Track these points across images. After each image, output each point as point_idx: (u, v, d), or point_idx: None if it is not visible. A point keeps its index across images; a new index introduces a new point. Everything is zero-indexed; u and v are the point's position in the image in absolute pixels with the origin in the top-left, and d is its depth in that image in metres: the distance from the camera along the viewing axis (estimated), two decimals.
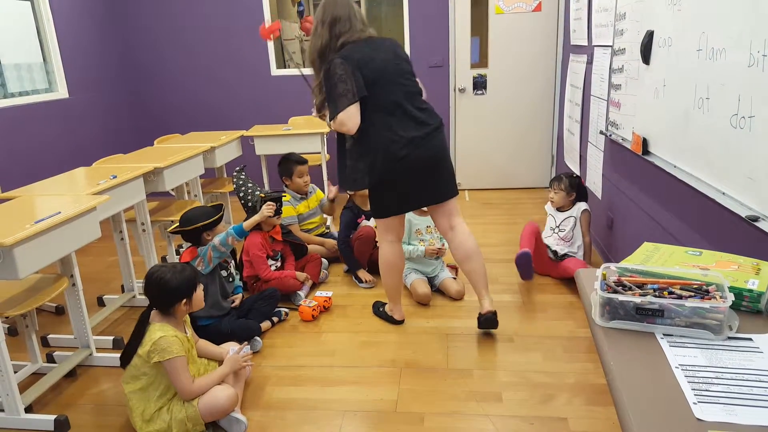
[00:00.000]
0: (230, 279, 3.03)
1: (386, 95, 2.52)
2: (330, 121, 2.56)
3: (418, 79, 2.72)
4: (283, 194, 3.62)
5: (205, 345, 2.44)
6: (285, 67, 5.72)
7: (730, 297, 1.19)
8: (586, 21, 3.98)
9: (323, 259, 3.71)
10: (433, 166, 2.61)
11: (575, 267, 3.21)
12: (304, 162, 3.90)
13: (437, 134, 2.62)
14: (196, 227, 2.80)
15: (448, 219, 2.74)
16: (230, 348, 2.42)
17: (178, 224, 2.88)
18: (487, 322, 2.75)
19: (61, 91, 4.73)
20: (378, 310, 3.12)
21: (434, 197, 2.69)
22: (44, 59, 4.62)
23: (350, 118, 2.47)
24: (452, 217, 2.74)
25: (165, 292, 2.15)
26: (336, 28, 2.56)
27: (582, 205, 3.54)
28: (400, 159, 2.51)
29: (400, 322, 2.99)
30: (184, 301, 2.17)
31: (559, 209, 3.58)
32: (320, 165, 4.76)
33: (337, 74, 2.45)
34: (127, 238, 3.34)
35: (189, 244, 2.88)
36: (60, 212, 2.34)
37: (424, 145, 2.55)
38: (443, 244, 3.37)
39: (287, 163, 3.87)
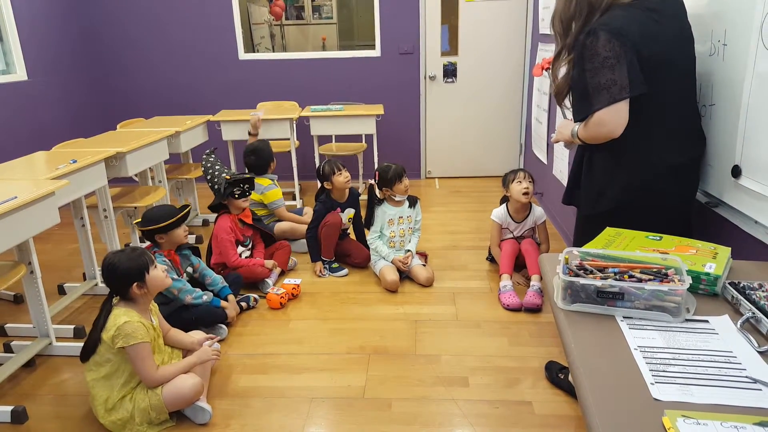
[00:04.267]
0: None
1: (662, 95, 1.71)
2: (577, 119, 1.82)
3: None
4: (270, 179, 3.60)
5: (176, 333, 2.40)
6: (253, 51, 5.62)
7: (688, 280, 1.22)
8: None
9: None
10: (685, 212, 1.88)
11: (531, 250, 3.24)
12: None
13: (699, 167, 1.88)
14: (149, 229, 2.72)
15: None
16: (200, 338, 2.39)
17: (140, 219, 2.81)
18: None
19: (20, 73, 4.55)
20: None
21: None
22: (1, 39, 4.43)
23: (614, 117, 1.67)
24: None
25: (115, 276, 2.11)
26: None
27: (539, 213, 3.36)
28: (660, 193, 1.78)
29: None
30: (136, 284, 2.12)
31: (515, 218, 3.34)
32: (289, 152, 4.70)
33: (601, 56, 1.66)
34: (89, 224, 3.24)
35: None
36: (16, 197, 2.26)
37: (684, 180, 1.82)
38: (409, 254, 3.36)
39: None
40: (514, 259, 3.25)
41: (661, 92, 1.70)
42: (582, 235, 1.95)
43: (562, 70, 1.84)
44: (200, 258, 3.01)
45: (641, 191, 1.77)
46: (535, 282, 3.05)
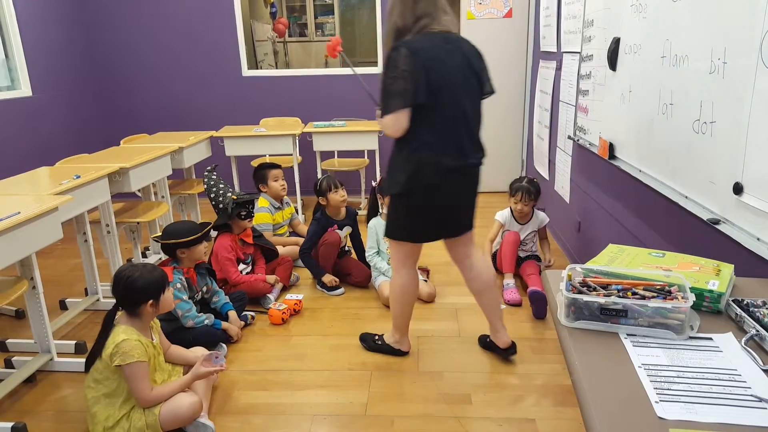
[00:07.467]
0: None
1: (441, 111, 2.18)
2: (379, 117, 2.23)
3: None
4: (259, 199, 3.59)
5: (177, 350, 2.39)
6: (256, 68, 5.67)
7: (692, 297, 1.22)
8: (556, 28, 4.05)
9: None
10: (465, 199, 2.43)
11: (533, 273, 3.33)
12: (278, 166, 4.00)
13: (476, 170, 2.42)
14: (170, 243, 2.73)
15: (464, 247, 2.55)
16: (201, 354, 2.36)
17: (161, 234, 2.81)
18: (512, 351, 2.64)
19: (24, 89, 4.60)
20: (374, 343, 2.76)
21: (460, 229, 2.48)
22: (6, 56, 4.49)
23: (395, 123, 2.14)
24: (469, 245, 2.55)
25: (131, 291, 2.09)
26: (419, 6, 2.16)
27: (542, 217, 3.49)
28: (433, 185, 2.24)
29: (407, 353, 2.71)
30: (151, 302, 2.11)
31: (519, 221, 3.50)
32: (292, 167, 4.72)
33: (399, 68, 2.08)
34: (91, 240, 3.25)
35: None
36: (19, 212, 2.27)
37: (456, 178, 2.30)
38: None
39: (261, 171, 3.95)
40: (515, 256, 3.37)
41: (442, 108, 2.16)
42: (389, 207, 2.45)
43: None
44: (215, 279, 3.01)
45: (420, 183, 2.21)
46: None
